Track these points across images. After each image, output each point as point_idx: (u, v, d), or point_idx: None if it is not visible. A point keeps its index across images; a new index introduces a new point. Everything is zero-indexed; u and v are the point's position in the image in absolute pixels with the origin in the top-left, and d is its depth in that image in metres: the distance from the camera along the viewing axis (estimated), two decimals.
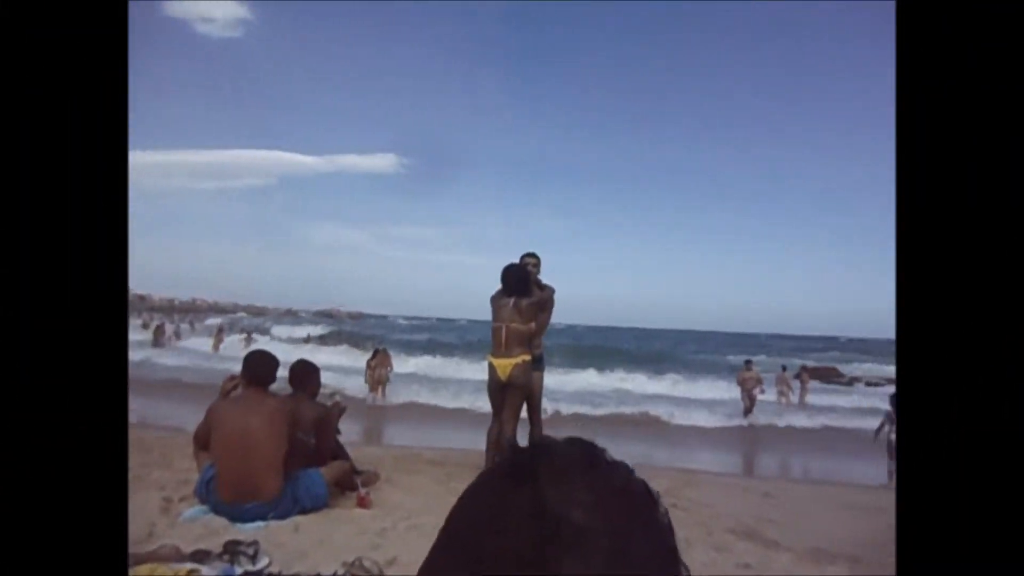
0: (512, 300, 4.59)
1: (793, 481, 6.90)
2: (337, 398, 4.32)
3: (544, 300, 4.73)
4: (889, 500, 5.28)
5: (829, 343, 42.60)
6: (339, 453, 3.87)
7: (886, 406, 6.99)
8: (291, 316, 47.99)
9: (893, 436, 6.52)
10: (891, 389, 8.76)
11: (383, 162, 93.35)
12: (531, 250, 4.96)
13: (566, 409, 11.29)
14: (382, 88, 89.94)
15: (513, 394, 4.58)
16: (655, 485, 0.43)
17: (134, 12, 1.03)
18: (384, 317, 58.65)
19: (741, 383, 11.80)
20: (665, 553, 0.39)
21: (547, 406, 6.39)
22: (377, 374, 11.61)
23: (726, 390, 12.43)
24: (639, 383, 15.86)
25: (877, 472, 6.67)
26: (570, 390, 13.86)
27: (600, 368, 17.14)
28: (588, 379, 15.96)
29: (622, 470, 0.41)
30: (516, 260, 4.81)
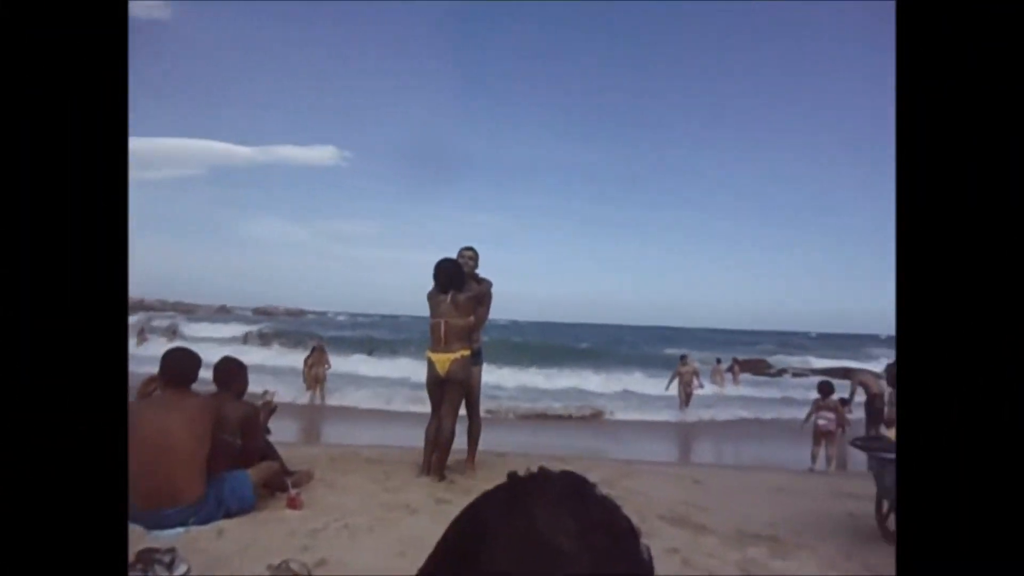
0: (449, 295, 4.54)
1: (723, 468, 7.18)
2: (267, 396, 4.15)
3: (481, 294, 4.69)
4: (810, 483, 5.59)
5: (758, 336, 44.61)
6: (268, 453, 3.72)
7: (813, 395, 7.38)
8: (225, 313, 45.85)
9: (821, 422, 6.92)
10: (816, 379, 9.25)
11: (323, 154, 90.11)
12: (471, 244, 4.92)
13: (505, 405, 11.33)
14: (322, 77, 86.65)
15: (452, 389, 4.53)
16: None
17: None
18: (323, 313, 56.98)
19: (678, 377, 12.16)
20: None
21: (486, 402, 6.37)
22: (314, 372, 11.27)
23: (663, 384, 12.75)
24: (578, 378, 16.04)
25: (802, 457, 7.04)
26: (510, 385, 13.93)
27: (540, 364, 17.25)
28: (528, 375, 16.04)
29: (608, 505, 0.45)
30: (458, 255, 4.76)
